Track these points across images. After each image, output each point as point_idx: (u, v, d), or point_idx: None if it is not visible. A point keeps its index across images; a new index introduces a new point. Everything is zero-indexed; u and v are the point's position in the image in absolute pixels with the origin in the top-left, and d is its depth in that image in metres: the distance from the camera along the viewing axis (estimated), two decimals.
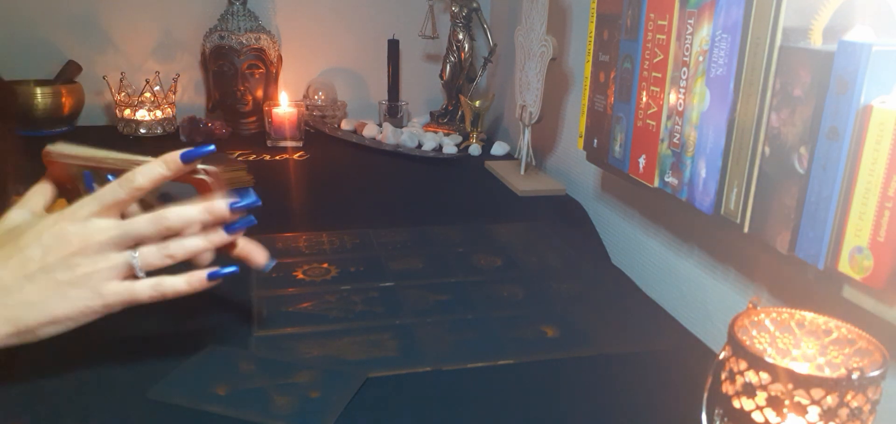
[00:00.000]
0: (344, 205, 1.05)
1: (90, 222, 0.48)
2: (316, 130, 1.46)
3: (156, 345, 0.59)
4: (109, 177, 0.52)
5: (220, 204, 0.51)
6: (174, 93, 1.43)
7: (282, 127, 1.35)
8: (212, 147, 0.51)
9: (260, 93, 1.44)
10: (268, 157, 1.28)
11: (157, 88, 1.40)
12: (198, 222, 0.51)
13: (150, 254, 0.50)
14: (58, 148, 0.54)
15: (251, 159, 1.26)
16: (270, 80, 1.46)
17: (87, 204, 0.49)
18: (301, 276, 0.74)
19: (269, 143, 1.37)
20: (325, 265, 0.77)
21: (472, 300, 0.70)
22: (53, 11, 1.44)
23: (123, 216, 0.51)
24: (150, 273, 0.50)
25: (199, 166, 0.51)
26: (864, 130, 0.49)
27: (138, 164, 0.50)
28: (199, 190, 0.52)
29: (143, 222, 0.49)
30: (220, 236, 0.52)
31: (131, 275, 0.50)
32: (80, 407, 0.50)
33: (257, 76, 1.43)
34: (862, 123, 0.49)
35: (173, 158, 0.50)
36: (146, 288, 0.50)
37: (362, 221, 0.93)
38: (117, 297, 0.49)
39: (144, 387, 0.52)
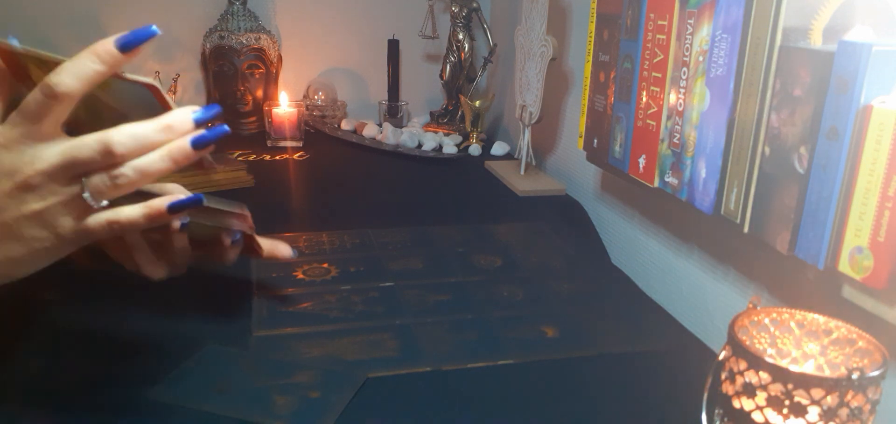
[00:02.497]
0: (344, 205, 1.05)
1: (26, 150, 0.41)
2: (316, 130, 1.46)
3: (156, 345, 0.59)
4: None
5: (179, 115, 0.44)
6: (174, 93, 1.43)
7: (282, 127, 1.35)
8: (154, 29, 0.43)
9: (260, 93, 1.44)
10: (268, 157, 1.28)
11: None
12: (153, 141, 0.43)
13: (99, 182, 0.42)
14: (8, 44, 0.46)
15: (251, 159, 1.26)
16: (270, 80, 1.46)
17: (14, 123, 0.41)
18: (301, 276, 0.74)
19: (269, 143, 1.37)
20: (325, 265, 0.77)
21: (472, 300, 0.70)
22: (53, 11, 1.44)
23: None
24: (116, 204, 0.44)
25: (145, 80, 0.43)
26: (864, 130, 0.49)
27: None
28: (153, 94, 0.44)
29: (86, 144, 0.41)
30: (182, 150, 0.43)
31: (87, 208, 0.43)
32: (81, 407, 0.50)
33: (257, 76, 1.43)
34: (862, 123, 0.49)
35: (106, 46, 0.41)
36: (100, 223, 0.43)
37: (362, 221, 0.93)
38: (74, 234, 0.43)
39: (144, 387, 0.52)
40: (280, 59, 1.51)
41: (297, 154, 1.31)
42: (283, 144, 1.36)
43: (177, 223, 0.49)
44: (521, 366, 0.59)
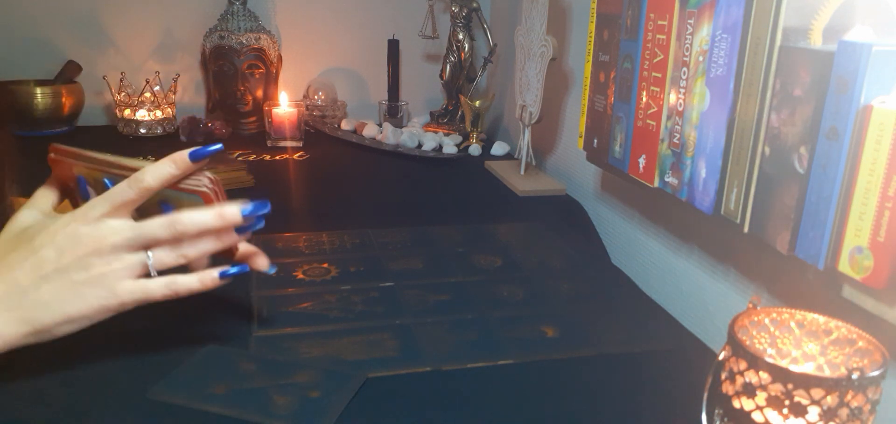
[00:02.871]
0: (344, 205, 1.05)
1: (103, 223, 0.49)
2: (316, 130, 1.46)
3: (156, 345, 0.59)
4: (107, 182, 0.52)
5: (232, 210, 0.52)
6: (174, 93, 1.43)
7: (282, 127, 1.35)
8: (219, 146, 0.52)
9: (260, 93, 1.44)
10: (268, 157, 1.28)
11: (157, 88, 1.40)
12: (211, 227, 0.52)
13: (165, 255, 0.51)
14: (64, 147, 0.55)
15: (251, 159, 1.26)
16: (270, 80, 1.47)
17: (97, 205, 0.50)
18: (301, 276, 0.74)
19: (269, 143, 1.37)
20: (325, 265, 0.77)
21: (472, 300, 0.70)
22: (53, 11, 1.44)
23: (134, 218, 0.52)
24: (161, 273, 0.52)
25: (205, 174, 0.52)
26: (864, 130, 0.49)
27: (138, 167, 0.51)
28: (205, 200, 0.53)
29: (157, 225, 0.50)
30: (231, 239, 0.54)
31: (144, 274, 0.51)
32: (81, 407, 0.50)
33: (257, 76, 1.43)
34: (862, 123, 0.49)
35: (182, 157, 0.51)
36: (160, 286, 0.51)
37: (362, 221, 0.93)
38: (132, 295, 0.50)
39: (144, 387, 0.52)
40: (280, 59, 1.51)
41: (297, 154, 1.31)
42: (283, 144, 1.36)
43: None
44: (521, 366, 0.59)
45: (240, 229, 0.54)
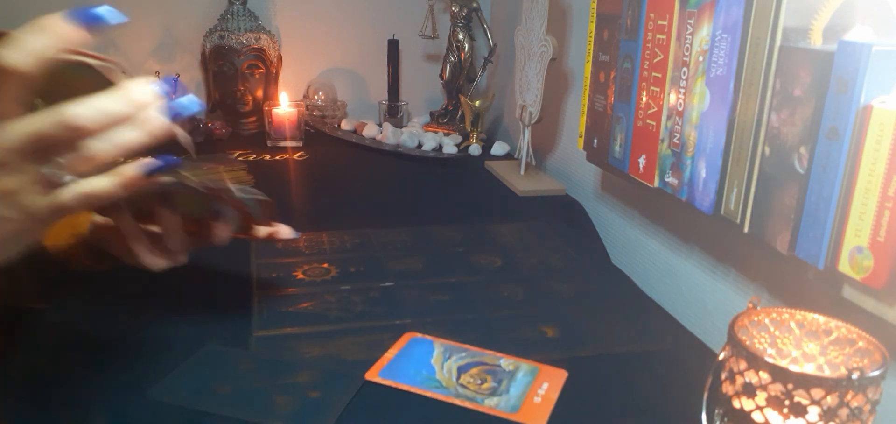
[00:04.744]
0: (344, 205, 1.05)
1: None
2: (316, 130, 1.46)
3: (156, 345, 0.59)
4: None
5: (137, 87, 0.42)
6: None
7: (282, 127, 1.35)
8: (177, 81, 0.42)
9: (260, 93, 1.44)
10: (268, 157, 1.28)
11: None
12: (119, 112, 0.41)
13: (73, 159, 0.41)
14: None
15: (251, 159, 1.26)
16: (270, 80, 1.46)
17: None
18: (301, 276, 0.74)
19: (269, 143, 1.37)
20: (325, 265, 0.77)
21: (472, 300, 0.70)
22: (53, 12, 1.44)
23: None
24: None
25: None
26: (864, 130, 0.49)
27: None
28: (105, 74, 0.43)
29: (43, 120, 0.39)
30: (157, 122, 0.42)
31: (56, 184, 0.41)
32: (81, 407, 0.50)
33: (257, 76, 1.43)
34: (862, 123, 0.49)
35: (54, 18, 0.40)
36: (73, 196, 0.42)
37: (362, 221, 0.93)
38: (43, 210, 0.41)
39: (144, 387, 0.52)
40: (280, 59, 1.51)
41: (297, 154, 1.31)
42: (283, 144, 1.36)
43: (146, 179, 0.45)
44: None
45: (174, 113, 0.43)
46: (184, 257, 0.55)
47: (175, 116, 0.43)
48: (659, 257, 0.89)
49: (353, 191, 1.13)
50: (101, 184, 0.42)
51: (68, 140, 0.40)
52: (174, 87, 1.44)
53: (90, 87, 0.41)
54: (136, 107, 0.41)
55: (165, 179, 0.45)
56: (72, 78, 0.42)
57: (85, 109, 0.39)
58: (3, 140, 0.39)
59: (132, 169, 0.43)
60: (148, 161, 0.43)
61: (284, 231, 0.59)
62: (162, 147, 0.44)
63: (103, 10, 0.40)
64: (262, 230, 0.61)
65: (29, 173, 0.40)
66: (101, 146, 0.41)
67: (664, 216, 0.88)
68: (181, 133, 0.46)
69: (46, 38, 0.39)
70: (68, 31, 0.39)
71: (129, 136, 0.41)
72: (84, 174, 0.41)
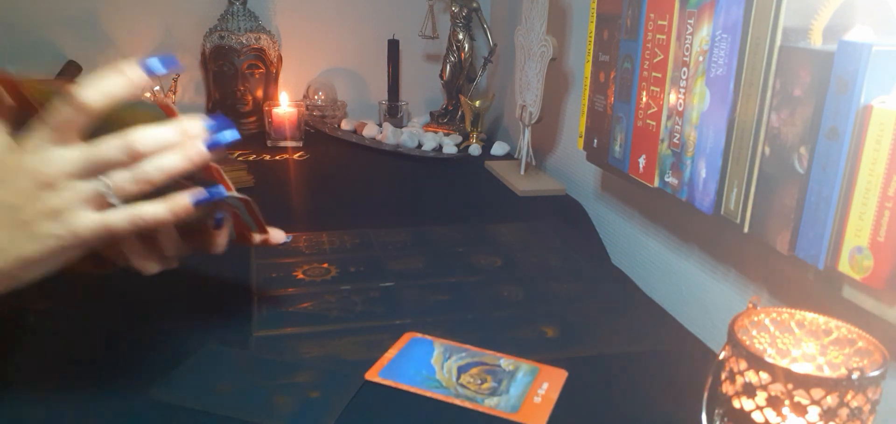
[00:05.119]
0: (344, 205, 1.05)
1: (48, 152, 0.43)
2: (316, 130, 1.46)
3: (156, 345, 0.59)
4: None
5: (195, 122, 0.47)
6: (174, 93, 1.43)
7: (282, 127, 1.35)
8: (175, 60, 0.46)
9: (260, 93, 1.44)
10: (268, 157, 1.28)
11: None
12: (171, 142, 0.45)
13: (122, 179, 0.44)
14: (8, 74, 0.48)
15: (251, 159, 1.26)
16: (270, 80, 1.47)
17: (38, 133, 0.44)
18: (301, 276, 0.74)
19: (269, 143, 1.37)
20: (325, 265, 0.77)
21: (472, 300, 0.70)
22: (53, 11, 1.44)
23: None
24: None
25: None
26: (864, 130, 0.49)
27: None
28: (167, 113, 0.48)
29: (108, 145, 0.44)
30: (199, 152, 0.46)
31: (105, 205, 0.44)
32: (80, 407, 0.50)
33: (257, 76, 1.43)
34: (862, 123, 0.49)
35: (132, 67, 0.44)
36: (122, 218, 0.45)
37: (362, 221, 0.93)
38: (91, 229, 0.44)
39: (144, 387, 0.52)
40: (280, 59, 1.51)
41: (297, 154, 1.31)
42: (283, 144, 1.36)
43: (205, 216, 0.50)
44: None
45: (212, 144, 0.47)
46: (176, 261, 0.54)
47: (214, 146, 0.47)
48: (659, 257, 0.89)
49: (353, 191, 1.13)
50: (153, 210, 0.46)
51: (124, 162, 0.44)
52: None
53: (144, 118, 0.46)
54: (186, 137, 0.46)
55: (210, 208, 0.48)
56: (129, 111, 0.46)
57: (144, 135, 0.44)
58: (62, 162, 0.43)
59: (183, 199, 0.47)
60: (198, 191, 0.47)
61: (276, 236, 0.59)
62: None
63: (166, 60, 0.45)
64: (256, 237, 0.61)
65: (80, 192, 0.44)
66: (149, 170, 0.45)
67: (664, 216, 0.88)
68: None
69: (119, 82, 0.44)
70: (138, 78, 0.44)
71: (174, 162, 0.46)
72: (129, 195, 0.45)
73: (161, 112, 0.47)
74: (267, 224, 0.60)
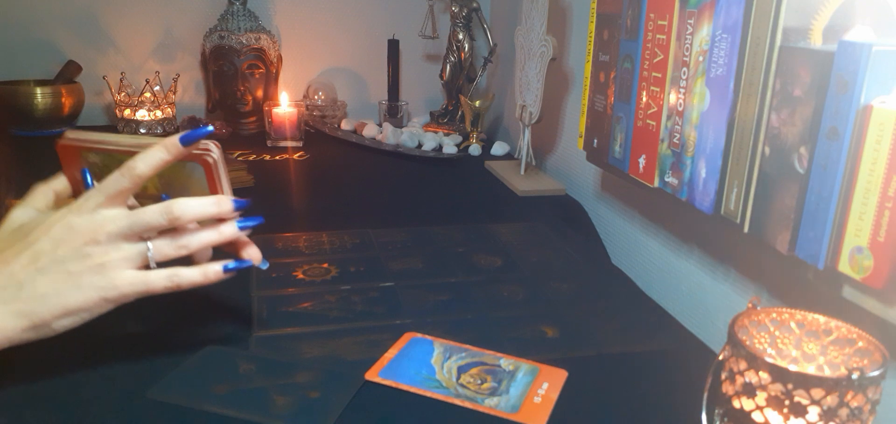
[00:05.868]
0: (344, 205, 1.05)
1: (98, 213, 0.49)
2: (316, 130, 1.46)
3: (156, 345, 0.59)
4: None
5: (227, 200, 0.53)
6: (174, 93, 1.43)
7: (282, 127, 1.35)
8: (210, 128, 0.52)
9: (260, 93, 1.44)
10: (268, 157, 1.29)
11: (157, 88, 1.40)
12: (207, 212, 0.51)
13: (164, 245, 0.51)
14: (74, 134, 0.55)
15: (251, 159, 1.26)
16: (270, 80, 1.47)
17: (92, 196, 0.49)
18: (301, 276, 0.74)
19: (269, 143, 1.37)
20: (325, 265, 0.77)
21: (472, 300, 0.70)
22: (53, 11, 1.44)
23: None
24: (161, 265, 0.51)
25: (201, 144, 0.52)
26: (864, 130, 0.49)
27: (144, 147, 0.51)
28: (204, 168, 0.53)
29: (153, 212, 0.50)
30: (232, 231, 0.54)
31: (144, 265, 0.50)
32: (80, 407, 0.50)
33: (257, 76, 1.43)
34: (862, 123, 0.49)
35: (173, 142, 0.51)
36: (161, 278, 0.50)
37: (362, 221, 0.93)
38: (132, 287, 0.49)
39: (144, 387, 0.52)
40: (280, 59, 1.51)
41: (297, 154, 1.31)
42: (283, 144, 1.36)
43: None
44: None
45: (242, 225, 0.54)
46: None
47: (244, 228, 0.55)
48: (659, 257, 0.89)
49: (353, 191, 1.13)
50: (190, 276, 0.52)
51: (164, 228, 0.50)
52: (202, 133, 1.45)
53: (184, 175, 0.53)
54: (222, 212, 0.52)
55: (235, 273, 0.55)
56: (171, 168, 0.52)
57: (185, 204, 0.50)
58: (111, 224, 0.49)
59: (216, 268, 0.53)
60: (229, 263, 0.54)
61: (253, 254, 0.58)
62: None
63: (205, 130, 0.51)
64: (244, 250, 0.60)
65: (123, 250, 0.49)
66: (190, 241, 0.52)
67: (664, 216, 0.88)
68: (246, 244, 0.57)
69: (164, 154, 0.50)
70: (180, 149, 0.51)
71: (211, 238, 0.53)
72: (167, 259, 0.51)
73: (198, 167, 0.53)
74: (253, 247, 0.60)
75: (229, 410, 0.50)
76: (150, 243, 0.50)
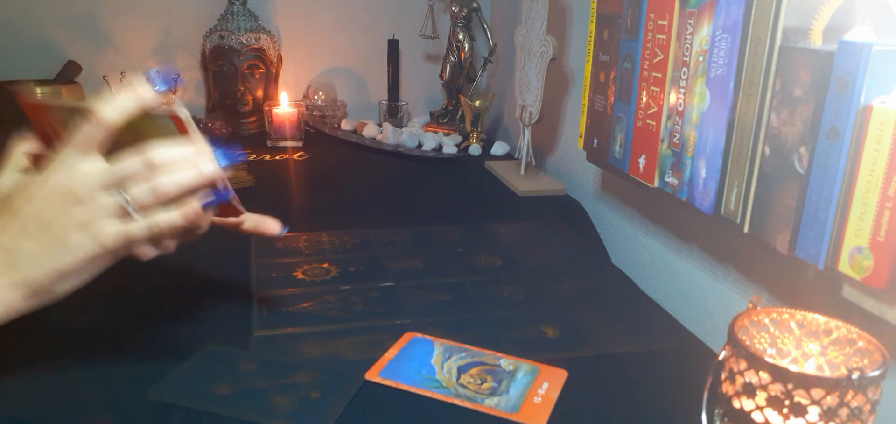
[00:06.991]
0: (344, 205, 1.05)
1: (75, 169, 0.48)
2: (316, 130, 1.46)
3: (156, 345, 0.59)
4: None
5: (204, 142, 0.51)
6: (174, 93, 1.43)
7: (282, 127, 1.35)
8: (178, 77, 0.51)
9: (260, 93, 1.44)
10: (268, 157, 1.28)
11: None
12: (185, 159, 0.50)
13: (140, 192, 0.49)
14: (35, 99, 0.53)
15: (251, 159, 1.26)
16: (270, 80, 1.47)
17: (67, 152, 0.48)
18: (301, 276, 0.74)
19: (269, 143, 1.37)
20: (325, 265, 0.77)
21: (472, 300, 0.70)
22: (53, 11, 1.44)
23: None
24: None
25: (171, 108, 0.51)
26: (864, 130, 0.49)
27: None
28: (176, 124, 0.51)
29: (131, 160, 0.48)
30: (212, 169, 0.51)
31: (125, 216, 0.49)
32: (80, 407, 0.50)
33: (257, 76, 1.43)
34: (862, 123, 0.49)
35: (141, 89, 0.49)
36: (141, 227, 0.49)
37: (362, 221, 0.93)
38: (115, 239, 0.48)
39: (144, 387, 0.52)
40: (280, 59, 1.51)
41: (297, 154, 1.31)
42: (283, 144, 1.36)
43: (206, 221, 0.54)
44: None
45: (223, 162, 0.52)
46: (173, 246, 0.55)
47: (226, 163, 0.53)
48: (659, 257, 0.89)
49: (353, 191, 1.13)
50: (168, 218, 0.50)
51: (143, 176, 0.49)
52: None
53: (155, 127, 0.51)
54: (198, 154, 0.51)
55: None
56: (141, 122, 0.50)
57: (161, 153, 0.49)
58: (89, 177, 0.48)
59: (193, 204, 0.51)
60: (206, 195, 0.51)
61: (271, 225, 0.59)
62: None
63: (167, 77, 0.49)
64: (249, 221, 0.60)
65: (104, 205, 0.48)
66: (167, 184, 0.50)
67: (664, 216, 0.88)
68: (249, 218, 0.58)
69: (132, 98, 0.49)
70: (147, 94, 0.49)
71: (188, 176, 0.50)
72: (147, 207, 0.49)
73: (170, 122, 0.51)
74: (267, 216, 0.60)
75: (229, 410, 0.50)
76: (127, 194, 0.49)
